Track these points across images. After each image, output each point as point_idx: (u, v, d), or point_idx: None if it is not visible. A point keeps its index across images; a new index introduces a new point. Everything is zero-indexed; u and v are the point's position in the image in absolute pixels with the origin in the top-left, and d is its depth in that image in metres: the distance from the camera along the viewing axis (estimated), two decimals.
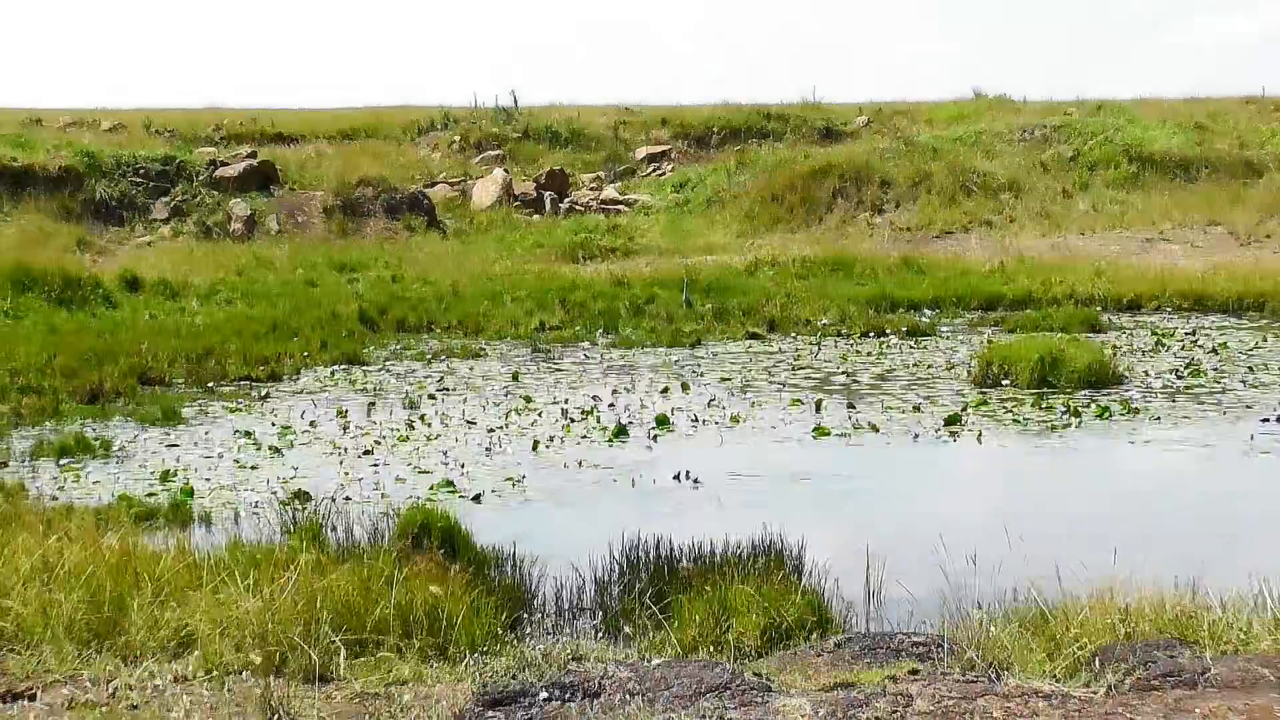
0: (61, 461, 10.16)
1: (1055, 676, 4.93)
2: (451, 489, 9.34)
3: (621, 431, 11.19)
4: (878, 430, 11.22)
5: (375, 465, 10.14)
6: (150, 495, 9.08)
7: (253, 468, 10.05)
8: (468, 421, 11.76)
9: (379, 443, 10.91)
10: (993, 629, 5.43)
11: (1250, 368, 14.06)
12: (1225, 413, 11.86)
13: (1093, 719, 4.49)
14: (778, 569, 6.69)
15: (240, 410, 12.44)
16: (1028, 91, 43.47)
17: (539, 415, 12.01)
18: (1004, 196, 28.31)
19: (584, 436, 11.13)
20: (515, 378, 14.08)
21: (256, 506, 8.79)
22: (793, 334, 17.18)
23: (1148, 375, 13.62)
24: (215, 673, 5.08)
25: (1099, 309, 18.41)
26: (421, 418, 11.92)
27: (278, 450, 10.63)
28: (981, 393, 12.83)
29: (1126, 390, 12.86)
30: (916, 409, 12.11)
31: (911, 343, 16.38)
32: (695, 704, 4.68)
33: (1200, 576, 5.94)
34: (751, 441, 10.99)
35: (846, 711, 4.56)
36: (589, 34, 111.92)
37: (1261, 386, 13.01)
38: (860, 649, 5.45)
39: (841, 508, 9.09)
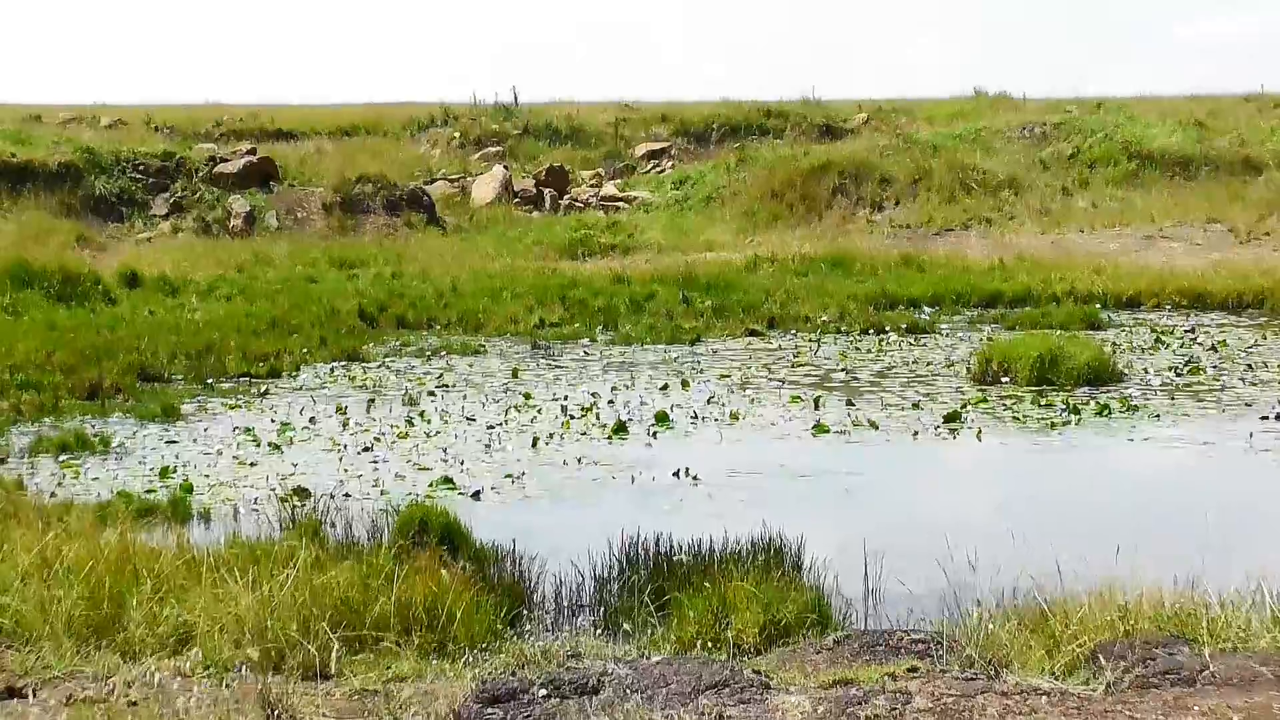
0: (61, 458, 10.16)
1: (1054, 674, 4.93)
2: (451, 486, 9.34)
3: (621, 428, 11.18)
4: (877, 427, 11.22)
5: (374, 462, 10.14)
6: (149, 492, 9.08)
7: (252, 464, 10.05)
8: (467, 418, 11.76)
9: (378, 439, 10.91)
10: (992, 626, 5.43)
11: (1250, 365, 14.05)
12: (1225, 410, 11.86)
13: (1092, 716, 4.49)
14: (777, 566, 6.69)
15: (240, 407, 12.44)
16: (1028, 89, 43.46)
17: (538, 412, 12.01)
18: (1004, 194, 28.29)
19: (583, 433, 11.13)
20: (515, 375, 14.08)
21: (256, 503, 8.79)
22: (792, 331, 17.17)
23: (1147, 373, 13.62)
24: (214, 669, 5.08)
25: (1099, 306, 18.39)
26: (421, 414, 11.92)
27: (277, 447, 10.63)
28: (981, 390, 12.82)
29: (1126, 388, 12.86)
30: (916, 406, 12.11)
31: (911, 340, 16.37)
32: (694, 701, 4.68)
33: (1199, 574, 5.94)
34: (751, 439, 10.99)
35: (845, 709, 4.56)
36: (589, 32, 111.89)
37: (1261, 384, 13.00)
38: (859, 646, 5.45)
39: (841, 505, 9.09)
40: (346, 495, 8.99)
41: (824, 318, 17.77)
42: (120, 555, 6.19)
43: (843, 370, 14.30)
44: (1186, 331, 16.57)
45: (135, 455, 10.38)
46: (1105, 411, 11.68)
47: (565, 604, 6.80)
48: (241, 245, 25.30)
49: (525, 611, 6.62)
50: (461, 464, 10.02)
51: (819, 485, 9.51)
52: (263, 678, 4.85)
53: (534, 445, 10.64)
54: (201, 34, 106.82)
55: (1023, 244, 24.53)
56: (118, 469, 9.90)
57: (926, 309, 19.06)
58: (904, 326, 17.15)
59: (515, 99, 37.91)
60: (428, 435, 11.08)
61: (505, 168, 32.30)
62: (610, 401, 12.49)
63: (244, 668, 5.08)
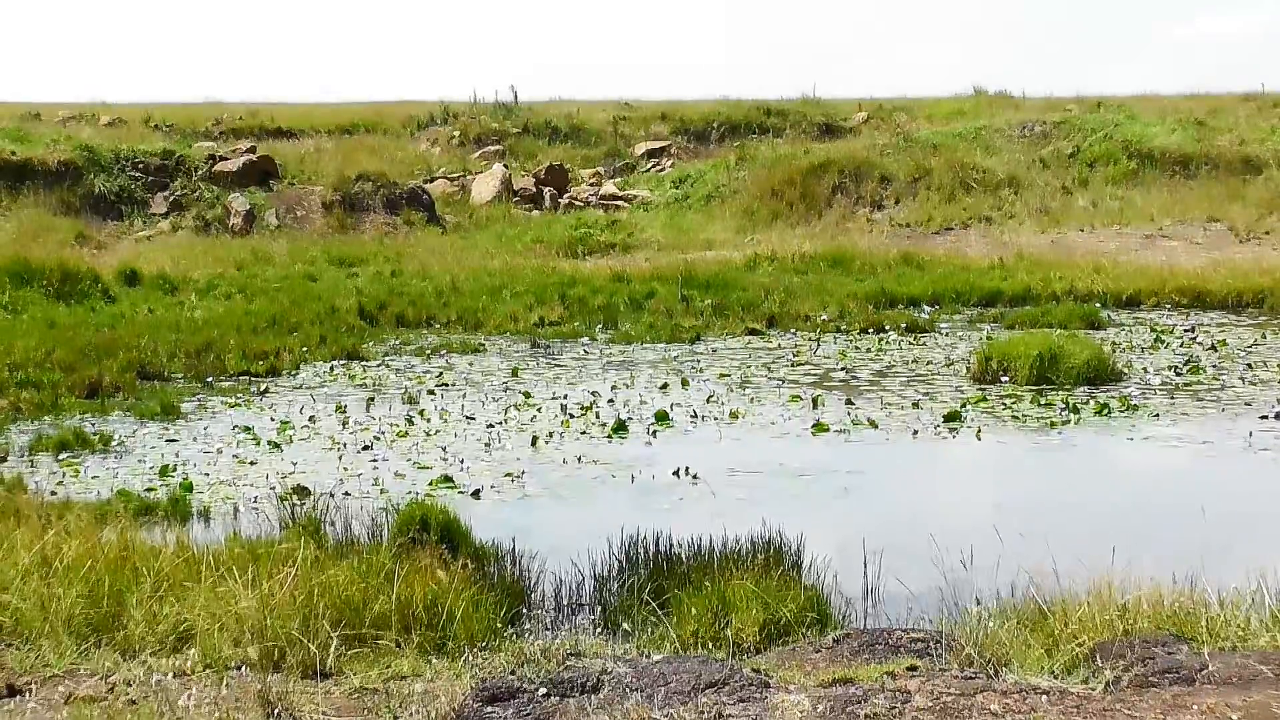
0: (60, 456, 10.16)
1: (1053, 673, 4.93)
2: (450, 484, 9.34)
3: (621, 427, 11.19)
4: (876, 426, 11.22)
5: (374, 460, 10.14)
6: (149, 490, 9.08)
7: (251, 463, 10.05)
8: (467, 417, 11.76)
9: (378, 438, 10.91)
10: (991, 625, 5.43)
11: (1249, 364, 14.06)
12: (1224, 410, 11.86)
13: (1091, 715, 4.49)
14: (776, 565, 6.69)
15: (239, 405, 12.44)
16: (1027, 88, 43.55)
17: (538, 411, 12.01)
18: (1003, 193, 28.30)
19: (583, 432, 11.13)
20: (514, 373, 14.08)
21: (255, 501, 8.79)
22: (792, 330, 17.17)
23: (1146, 372, 13.62)
24: (214, 667, 5.09)
25: (1098, 305, 18.40)
26: (420, 413, 11.92)
27: (277, 445, 10.63)
28: (980, 389, 12.83)
29: (1125, 387, 12.86)
30: (915, 405, 12.11)
31: (910, 339, 16.38)
32: (693, 700, 4.68)
33: (1198, 573, 5.94)
34: (750, 437, 10.99)
35: (845, 707, 4.56)
36: (589, 30, 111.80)
37: (1260, 383, 13.00)
38: (859, 645, 5.45)
39: (840, 504, 9.09)
40: (346, 494, 8.99)
41: (823, 316, 17.78)
42: (120, 553, 6.20)
43: (842, 369, 14.30)
44: (1186, 331, 16.58)
45: (135, 453, 10.38)
46: (1104, 411, 11.68)
47: (565, 603, 6.80)
48: (241, 243, 25.31)
49: (525, 610, 6.63)
50: (461, 463, 10.03)
51: (818, 484, 9.51)
52: (262, 676, 4.85)
53: (534, 444, 10.65)
54: (201, 32, 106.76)
55: (1022, 243, 24.55)
56: (117, 467, 9.90)
57: (926, 308, 19.07)
58: (903, 325, 17.16)
59: (515, 97, 37.93)
60: (427, 434, 11.08)
61: (505, 166, 32.30)
62: (610, 400, 12.50)
63: (243, 666, 5.09)
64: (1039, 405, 11.99)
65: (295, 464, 9.99)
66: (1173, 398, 12.35)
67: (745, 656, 5.52)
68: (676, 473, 9.61)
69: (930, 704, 4.57)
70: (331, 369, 14.53)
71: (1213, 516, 8.05)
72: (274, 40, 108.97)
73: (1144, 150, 29.90)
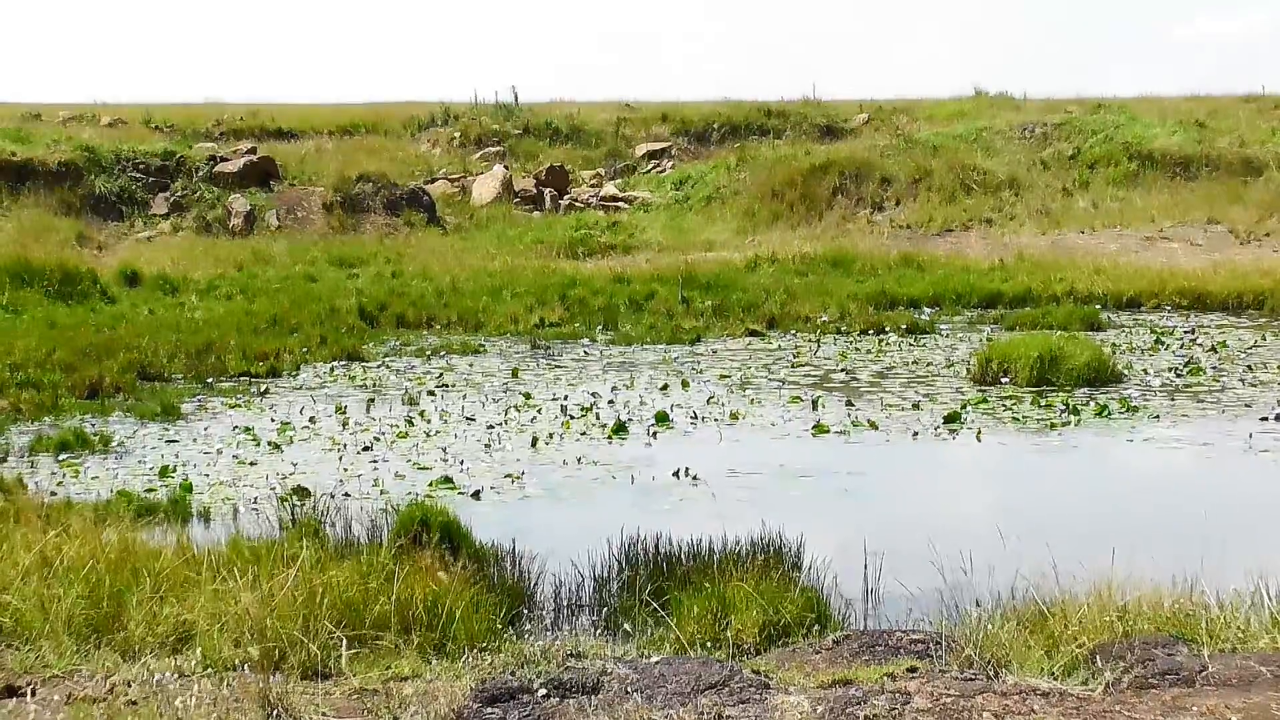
0: (60, 457, 10.16)
1: (1053, 674, 4.93)
2: (451, 485, 9.34)
3: (621, 428, 11.19)
4: (877, 428, 11.22)
5: (374, 461, 10.14)
6: (149, 491, 9.08)
7: (252, 463, 10.05)
8: (467, 418, 11.77)
9: (378, 439, 10.91)
10: (991, 627, 5.43)
11: (1249, 366, 14.06)
12: (1224, 411, 11.86)
13: (1091, 717, 4.49)
14: (776, 566, 6.69)
15: (239, 406, 12.44)
16: (1028, 89, 43.50)
17: (538, 412, 12.02)
18: (1004, 194, 28.31)
19: (583, 433, 11.13)
20: (515, 374, 14.08)
21: (256, 502, 8.79)
22: (792, 331, 17.18)
23: (1147, 373, 13.62)
24: (214, 668, 5.08)
25: (1098, 307, 18.41)
26: (421, 414, 11.92)
27: (277, 446, 10.63)
28: (981, 390, 12.83)
29: (1125, 388, 12.86)
30: (916, 406, 12.11)
31: (911, 340, 16.38)
32: (693, 700, 4.68)
33: (1198, 575, 5.94)
34: (751, 439, 10.99)
35: (845, 709, 4.57)
36: (590, 30, 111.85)
37: (1260, 385, 13.01)
38: (859, 646, 5.45)
39: (840, 505, 9.10)
40: (346, 494, 8.99)
41: (824, 318, 17.78)
42: (120, 554, 6.20)
43: (842, 370, 14.31)
44: (1186, 332, 16.58)
45: (135, 454, 10.38)
46: (1105, 412, 11.68)
47: (565, 603, 6.79)
48: (241, 244, 25.32)
49: (525, 611, 6.62)
50: (461, 463, 10.03)
51: (818, 485, 9.51)
52: (262, 677, 4.85)
53: (534, 445, 10.65)
54: (201, 33, 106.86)
55: (1023, 244, 24.55)
56: (117, 468, 9.90)
57: (926, 309, 19.08)
58: (904, 327, 17.17)
59: (515, 98, 37.92)
60: (427, 435, 11.08)
61: (505, 167, 32.30)
62: (610, 401, 12.50)
63: (244, 667, 5.08)
64: (1039, 407, 11.99)
65: (295, 465, 9.99)
66: (1173, 399, 12.35)
67: (745, 657, 5.53)
68: (676, 474, 9.62)
69: (930, 705, 4.57)
70: (332, 370, 14.54)
71: (1212, 518, 8.05)
72: (274, 40, 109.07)
73: (1144, 152, 29.91)
